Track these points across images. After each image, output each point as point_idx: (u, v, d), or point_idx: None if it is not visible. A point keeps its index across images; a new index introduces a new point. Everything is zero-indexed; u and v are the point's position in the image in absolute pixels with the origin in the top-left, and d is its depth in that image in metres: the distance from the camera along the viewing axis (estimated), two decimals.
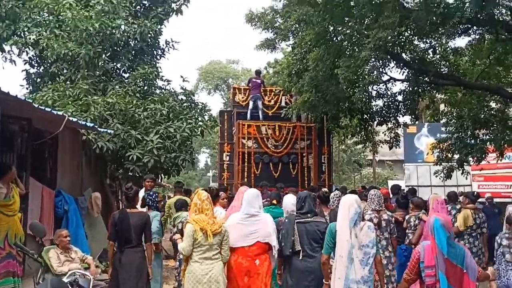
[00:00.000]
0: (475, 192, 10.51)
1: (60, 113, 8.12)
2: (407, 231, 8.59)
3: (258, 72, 19.21)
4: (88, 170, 11.77)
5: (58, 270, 7.19)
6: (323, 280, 5.59)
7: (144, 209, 8.39)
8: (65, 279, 6.15)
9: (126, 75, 14.45)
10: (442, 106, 19.83)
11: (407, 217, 8.68)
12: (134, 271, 6.52)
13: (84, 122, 9.56)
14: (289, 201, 6.83)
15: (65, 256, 7.51)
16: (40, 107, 7.87)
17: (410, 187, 20.83)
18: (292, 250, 5.88)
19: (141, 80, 13.60)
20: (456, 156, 16.13)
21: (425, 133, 26.81)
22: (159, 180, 14.34)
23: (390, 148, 18.23)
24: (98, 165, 12.33)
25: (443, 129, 24.10)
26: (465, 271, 4.85)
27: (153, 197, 9.60)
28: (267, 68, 36.85)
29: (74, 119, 8.88)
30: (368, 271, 5.27)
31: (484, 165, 17.27)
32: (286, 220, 6.16)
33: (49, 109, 7.71)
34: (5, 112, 6.94)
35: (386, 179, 35.11)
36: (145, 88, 14.05)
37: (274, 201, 8.22)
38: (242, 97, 18.56)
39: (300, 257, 5.88)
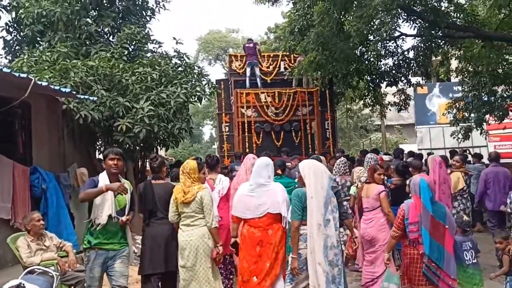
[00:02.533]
0: (467, 150, 11.33)
1: (23, 75, 6.79)
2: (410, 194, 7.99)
3: (249, 39, 18.54)
4: (72, 143, 10.49)
5: (28, 262, 6.07)
6: (291, 254, 5.59)
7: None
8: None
9: (112, 40, 13.11)
10: (454, 64, 18.68)
11: (407, 181, 8.22)
12: (162, 242, 6.30)
13: (59, 88, 8.24)
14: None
15: (37, 244, 6.38)
16: (4, 70, 6.57)
17: (422, 151, 20.01)
18: None
19: (128, 42, 12.23)
20: (473, 116, 15.30)
21: (437, 93, 25.89)
22: (155, 152, 13.12)
23: (399, 110, 17.41)
24: (84, 138, 11.05)
25: (455, 88, 23.59)
26: (446, 226, 5.33)
27: None
28: (267, 33, 35.89)
29: (44, 83, 7.56)
30: (337, 235, 5.60)
31: (499, 125, 16.45)
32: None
33: (7, 70, 6.38)
34: None
35: (396, 143, 34.29)
36: (133, 51, 12.73)
37: (279, 171, 7.57)
38: (239, 65, 17.96)
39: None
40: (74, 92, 8.98)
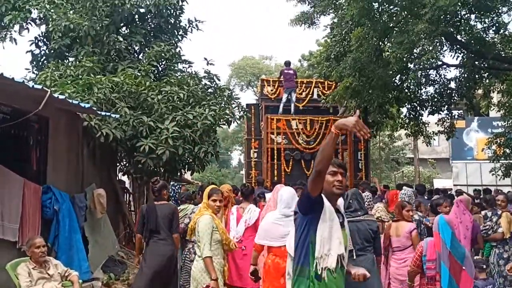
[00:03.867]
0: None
1: (38, 86, 6.28)
2: None
3: (288, 63, 17.66)
4: (91, 162, 9.95)
5: None
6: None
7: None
8: None
9: (141, 58, 12.73)
10: (496, 98, 18.03)
11: None
12: (165, 261, 6.37)
13: (78, 102, 7.73)
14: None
15: (39, 272, 5.77)
16: (16, 79, 6.07)
17: (458, 186, 19.37)
18: None
19: (156, 60, 11.79)
20: None
21: (475, 128, 25.13)
22: (178, 176, 12.59)
23: (448, 138, 17.16)
24: (105, 158, 10.54)
25: (495, 123, 22.71)
26: (464, 268, 5.29)
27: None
28: (301, 61, 35.58)
29: (62, 97, 7.05)
30: None
31: None
32: None
33: (20, 80, 5.86)
34: None
35: (429, 177, 33.40)
36: (162, 70, 12.31)
37: None
38: (271, 90, 17.55)
39: (353, 257, 5.47)
40: (95, 108, 8.46)
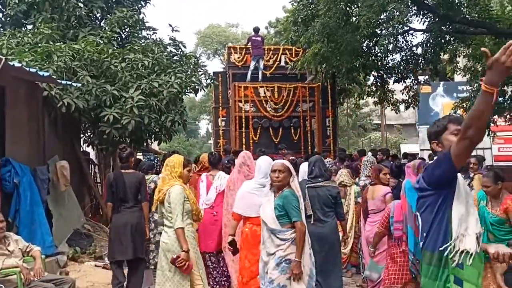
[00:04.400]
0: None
1: None
2: None
3: (256, 30, 17.31)
4: (53, 134, 9.58)
5: None
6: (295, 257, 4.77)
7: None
8: None
9: (104, 25, 12.24)
10: (461, 63, 18.11)
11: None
12: (131, 229, 6.37)
13: (36, 71, 7.36)
14: (303, 169, 6.89)
15: None
16: None
17: (424, 151, 19.66)
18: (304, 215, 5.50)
19: (119, 26, 11.35)
20: None
21: (441, 92, 25.27)
22: (145, 146, 12.30)
23: (407, 108, 16.70)
24: (68, 129, 10.19)
25: (460, 88, 22.88)
26: None
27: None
28: (267, 28, 35.14)
29: (18, 65, 6.68)
30: None
31: (504, 127, 16.49)
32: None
33: None
34: None
35: (396, 143, 33.77)
36: (126, 38, 11.87)
37: None
38: (238, 57, 17.22)
39: (312, 222, 5.91)
40: (55, 77, 8.09)
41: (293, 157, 10.55)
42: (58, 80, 8.23)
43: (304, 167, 6.98)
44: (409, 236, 5.23)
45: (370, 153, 11.71)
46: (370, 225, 6.85)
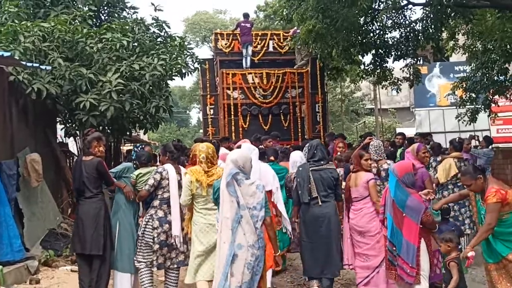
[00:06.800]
0: (457, 138, 9.89)
1: None
2: None
3: (246, 15, 17.02)
4: (23, 124, 8.65)
5: None
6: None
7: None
8: None
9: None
10: (460, 41, 17.29)
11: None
12: (88, 222, 5.85)
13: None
14: (297, 155, 7.36)
15: None
16: None
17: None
18: (310, 197, 6.20)
19: (95, 5, 10.40)
20: (482, 96, 14.45)
21: (437, 73, 24.41)
22: (129, 135, 11.37)
23: (411, 86, 16.28)
24: (40, 118, 9.26)
25: (457, 68, 22.06)
26: (404, 215, 5.27)
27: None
28: (256, 12, 34.22)
29: None
30: (258, 235, 4.69)
31: (503, 107, 16.08)
32: (301, 169, 6.47)
33: None
34: None
35: (390, 127, 33.22)
36: (104, 18, 10.94)
37: (272, 158, 7.83)
38: (225, 43, 16.84)
39: (318, 203, 6.23)
40: (22, 60, 7.17)
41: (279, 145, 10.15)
42: (25, 63, 7.31)
43: (295, 156, 7.42)
44: (388, 222, 5.43)
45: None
46: (354, 213, 6.68)
